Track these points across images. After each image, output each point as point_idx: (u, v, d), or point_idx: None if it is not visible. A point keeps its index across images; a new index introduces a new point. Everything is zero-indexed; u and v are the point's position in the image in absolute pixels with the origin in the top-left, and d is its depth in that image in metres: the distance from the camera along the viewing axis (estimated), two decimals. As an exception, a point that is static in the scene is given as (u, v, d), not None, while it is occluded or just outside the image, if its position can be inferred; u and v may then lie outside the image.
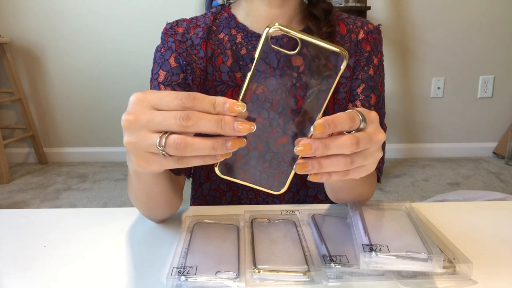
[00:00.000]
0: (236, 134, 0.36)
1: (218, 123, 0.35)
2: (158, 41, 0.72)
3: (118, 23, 2.68)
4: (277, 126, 0.39)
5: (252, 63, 0.35)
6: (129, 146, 0.37)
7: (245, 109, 0.35)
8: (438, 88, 2.79)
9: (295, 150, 0.37)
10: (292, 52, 0.35)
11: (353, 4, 2.43)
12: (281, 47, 0.35)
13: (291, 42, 0.35)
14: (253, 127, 0.36)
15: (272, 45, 0.35)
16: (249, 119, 0.37)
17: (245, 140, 0.37)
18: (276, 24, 0.34)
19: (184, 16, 0.75)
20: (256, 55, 0.35)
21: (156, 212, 0.60)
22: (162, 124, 0.35)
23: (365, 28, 0.71)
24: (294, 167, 0.38)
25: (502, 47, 2.73)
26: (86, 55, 2.73)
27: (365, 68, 0.70)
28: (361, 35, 0.71)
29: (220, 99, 0.35)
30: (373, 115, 0.41)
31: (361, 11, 2.44)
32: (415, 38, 2.70)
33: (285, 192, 0.75)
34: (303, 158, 0.38)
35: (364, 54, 0.70)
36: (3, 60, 2.60)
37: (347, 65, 0.70)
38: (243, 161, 0.39)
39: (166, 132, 0.36)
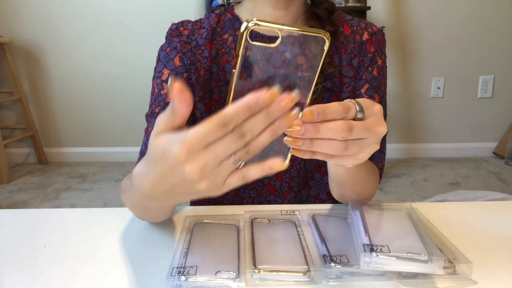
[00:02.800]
0: (285, 111, 0.34)
1: (267, 116, 0.33)
2: (158, 41, 0.72)
3: (118, 23, 2.68)
4: None
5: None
6: (209, 189, 0.35)
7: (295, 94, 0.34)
8: (438, 88, 2.79)
9: (284, 129, 0.37)
10: (273, 45, 0.35)
11: (353, 4, 2.43)
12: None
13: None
14: (293, 94, 0.34)
15: (251, 41, 0.34)
16: None
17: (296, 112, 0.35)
18: (254, 19, 0.34)
19: (185, 16, 0.75)
20: (239, 53, 0.34)
21: (151, 218, 0.60)
22: (227, 154, 0.34)
23: (369, 30, 0.72)
24: (284, 140, 0.38)
25: (502, 47, 2.73)
26: (86, 55, 2.73)
27: (369, 68, 0.71)
28: (365, 36, 0.71)
29: (249, 99, 0.33)
30: (376, 108, 0.40)
31: (361, 11, 2.44)
32: (415, 38, 2.70)
33: (287, 192, 0.76)
34: None
35: (368, 55, 0.71)
36: (3, 60, 2.60)
37: (351, 64, 0.71)
38: None
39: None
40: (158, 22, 2.63)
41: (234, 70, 0.35)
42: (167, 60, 0.70)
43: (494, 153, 2.88)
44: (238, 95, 0.36)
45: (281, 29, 0.34)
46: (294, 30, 0.34)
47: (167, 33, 0.72)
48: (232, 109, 0.33)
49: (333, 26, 0.70)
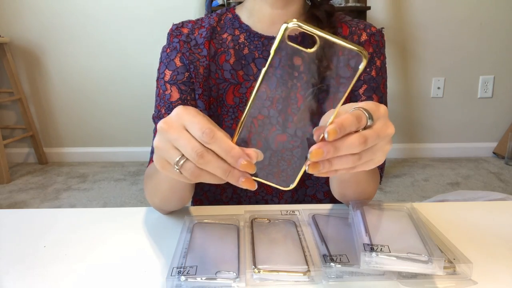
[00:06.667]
0: (238, 184, 0.38)
1: (225, 173, 0.38)
2: (158, 41, 0.73)
3: (118, 23, 2.68)
4: (285, 123, 0.39)
5: (266, 60, 0.35)
6: (155, 149, 0.41)
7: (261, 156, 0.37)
8: (438, 88, 2.79)
9: (308, 157, 0.37)
10: (310, 50, 0.34)
11: (353, 4, 2.43)
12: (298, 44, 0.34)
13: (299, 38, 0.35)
14: (255, 186, 0.38)
15: (289, 43, 0.33)
16: (253, 115, 0.37)
17: (255, 184, 0.38)
18: (294, 20, 0.33)
19: (185, 17, 0.76)
20: (272, 52, 0.34)
21: (169, 204, 0.62)
22: (182, 148, 0.38)
23: (368, 31, 0.72)
24: (306, 167, 0.38)
25: (502, 47, 2.73)
26: (86, 55, 2.73)
27: (367, 69, 0.71)
28: (364, 37, 0.72)
29: (236, 152, 0.37)
30: (382, 110, 0.41)
31: (361, 11, 2.44)
32: (415, 38, 2.70)
33: (283, 191, 0.76)
34: None
35: None
36: (3, 60, 2.60)
37: (348, 64, 0.71)
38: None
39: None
40: (158, 23, 2.63)
41: (264, 69, 0.34)
42: (168, 61, 0.71)
43: (494, 153, 2.88)
44: (263, 94, 0.36)
45: (322, 37, 0.33)
46: (335, 40, 0.33)
47: (168, 34, 0.73)
48: (220, 134, 0.37)
49: (332, 28, 0.70)
